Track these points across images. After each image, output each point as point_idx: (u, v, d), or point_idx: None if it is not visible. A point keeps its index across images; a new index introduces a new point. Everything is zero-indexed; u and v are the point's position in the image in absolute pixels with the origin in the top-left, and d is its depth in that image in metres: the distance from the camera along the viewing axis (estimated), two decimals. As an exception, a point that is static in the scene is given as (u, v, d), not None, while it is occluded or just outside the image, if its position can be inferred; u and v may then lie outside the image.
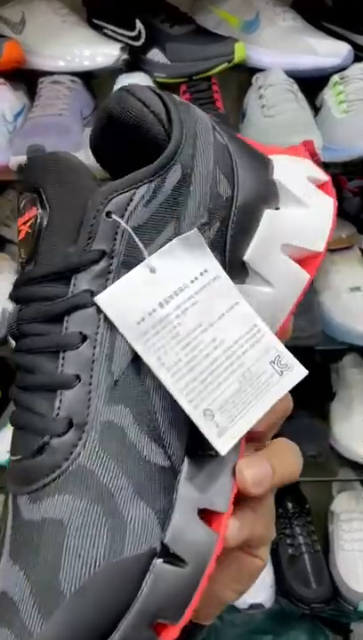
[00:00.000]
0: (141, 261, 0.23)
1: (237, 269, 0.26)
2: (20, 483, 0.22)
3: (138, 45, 0.83)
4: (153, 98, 0.25)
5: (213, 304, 0.24)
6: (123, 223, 0.23)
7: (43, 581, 0.20)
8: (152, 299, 0.23)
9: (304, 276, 0.27)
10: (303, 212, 0.27)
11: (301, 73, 0.80)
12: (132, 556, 0.21)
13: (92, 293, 0.22)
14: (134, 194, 0.23)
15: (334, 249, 0.87)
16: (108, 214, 0.23)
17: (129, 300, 0.23)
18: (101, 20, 0.86)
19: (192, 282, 0.24)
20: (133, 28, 0.83)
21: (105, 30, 0.85)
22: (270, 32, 0.81)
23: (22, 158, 0.71)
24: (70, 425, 0.22)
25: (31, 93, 0.84)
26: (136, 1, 0.83)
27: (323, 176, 0.30)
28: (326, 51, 0.79)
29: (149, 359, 0.22)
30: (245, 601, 0.90)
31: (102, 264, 0.23)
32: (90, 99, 0.84)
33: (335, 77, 0.79)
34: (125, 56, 0.80)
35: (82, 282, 0.22)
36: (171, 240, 0.24)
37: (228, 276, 0.25)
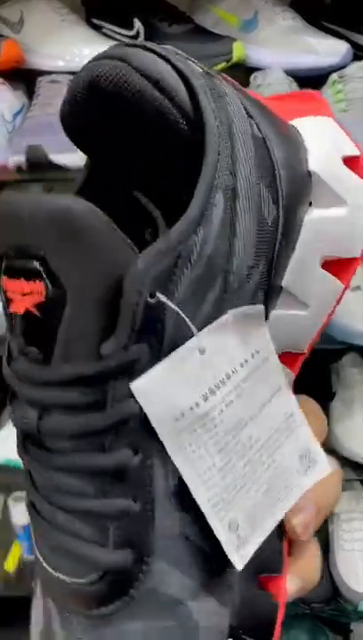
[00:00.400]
0: (187, 338, 0.18)
1: (270, 297, 0.21)
2: (67, 600, 0.19)
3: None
4: (171, 77, 0.18)
5: (257, 392, 0.20)
6: (172, 305, 0.17)
7: None
8: (198, 389, 0.18)
9: (340, 288, 0.24)
10: (343, 212, 0.22)
11: (299, 72, 0.80)
12: None
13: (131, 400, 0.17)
14: (179, 257, 0.17)
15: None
16: (153, 295, 0.17)
17: (170, 389, 0.18)
18: (100, 20, 0.85)
19: (242, 365, 0.20)
20: (131, 27, 0.83)
21: (104, 29, 0.85)
22: (269, 31, 0.81)
23: (21, 158, 0.70)
24: (131, 552, 0.18)
25: (30, 93, 0.84)
26: (135, 0, 0.83)
27: (353, 149, 0.23)
28: (324, 50, 0.79)
29: (178, 459, 0.18)
30: (245, 601, 0.89)
31: (146, 358, 0.17)
32: (88, 98, 0.84)
33: (334, 76, 0.79)
34: (124, 55, 0.80)
35: (123, 387, 0.17)
36: (220, 304, 0.19)
37: (277, 356, 0.21)
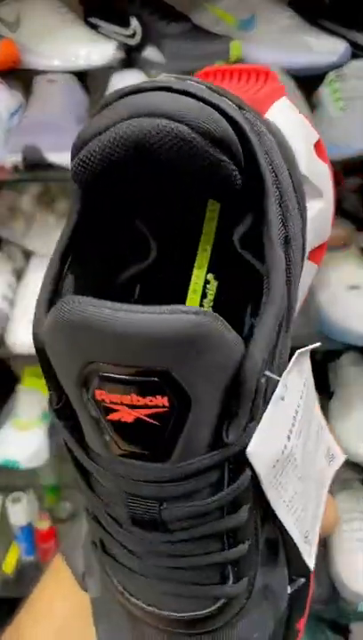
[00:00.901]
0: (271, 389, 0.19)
1: None
2: (184, 627, 0.21)
3: (134, 43, 0.82)
4: (228, 133, 0.17)
5: (310, 415, 0.22)
6: (277, 377, 0.18)
7: None
8: (283, 433, 0.19)
9: (316, 270, 0.25)
10: (322, 203, 0.23)
11: (297, 71, 0.79)
12: None
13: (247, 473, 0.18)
14: (279, 332, 0.18)
15: (332, 247, 0.86)
16: (264, 375, 0.18)
17: (269, 443, 0.19)
18: (97, 19, 0.85)
19: (301, 397, 0.21)
20: (128, 26, 0.83)
21: (101, 29, 0.84)
22: (267, 30, 0.80)
23: (18, 157, 0.70)
24: (247, 580, 0.21)
25: (27, 92, 0.84)
26: (132, -1, 0.83)
27: (314, 133, 0.23)
28: (322, 48, 0.78)
29: (271, 495, 0.20)
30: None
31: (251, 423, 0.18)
32: (85, 97, 0.83)
33: (332, 75, 0.79)
34: (121, 54, 0.79)
35: (235, 463, 0.18)
36: (284, 340, 0.20)
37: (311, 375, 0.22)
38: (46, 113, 0.76)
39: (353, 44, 0.80)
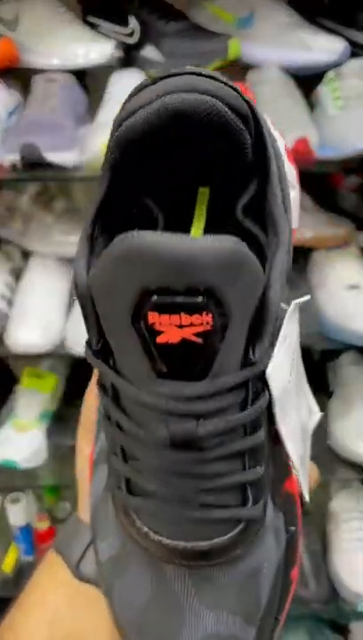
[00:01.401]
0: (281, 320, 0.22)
1: None
2: (205, 558, 0.22)
3: (132, 42, 0.82)
4: (249, 112, 0.21)
5: (299, 365, 0.26)
6: (290, 308, 0.23)
7: (249, 610, 0.23)
8: (287, 367, 0.23)
9: None
10: (294, 193, 0.26)
11: (296, 69, 0.79)
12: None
13: (265, 392, 0.22)
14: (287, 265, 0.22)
15: (330, 246, 0.86)
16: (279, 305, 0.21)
17: (282, 369, 0.22)
18: (96, 17, 0.85)
19: (295, 343, 0.25)
20: (127, 24, 0.82)
21: (99, 27, 0.84)
22: (265, 28, 0.80)
23: (16, 156, 0.70)
24: (262, 502, 0.23)
25: (25, 91, 0.83)
26: (130, -3, 0.83)
27: (279, 136, 0.27)
28: (321, 47, 0.78)
29: (280, 421, 0.23)
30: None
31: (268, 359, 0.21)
32: (83, 96, 0.83)
33: (331, 74, 0.79)
34: (120, 53, 0.79)
35: (258, 382, 0.21)
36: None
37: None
38: (45, 112, 0.75)
39: (352, 43, 0.79)
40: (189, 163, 0.23)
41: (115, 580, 0.25)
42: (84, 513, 0.32)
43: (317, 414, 0.29)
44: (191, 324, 0.18)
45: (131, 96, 0.22)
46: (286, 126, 0.71)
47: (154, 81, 0.21)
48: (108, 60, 0.79)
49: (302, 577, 0.92)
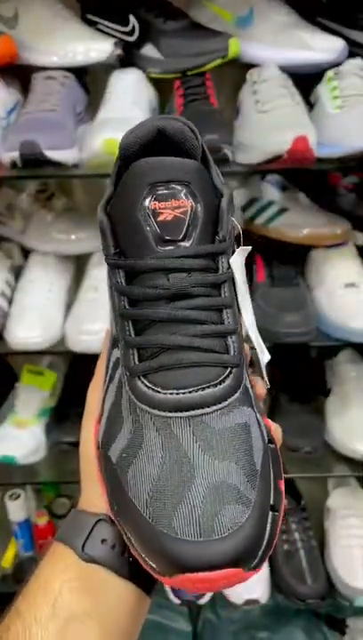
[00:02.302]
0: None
1: None
2: (204, 404, 0.28)
3: (132, 41, 0.82)
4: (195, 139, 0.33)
5: (246, 297, 0.34)
6: (236, 223, 0.33)
7: (246, 464, 0.28)
8: (241, 275, 0.33)
9: None
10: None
11: (295, 68, 0.80)
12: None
13: (229, 268, 0.32)
14: (228, 213, 0.33)
15: (328, 245, 0.87)
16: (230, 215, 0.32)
17: (236, 263, 0.32)
18: (95, 16, 0.85)
19: (241, 274, 0.33)
20: (126, 23, 0.82)
21: (99, 26, 0.84)
22: (265, 27, 0.80)
23: (15, 154, 0.70)
24: (240, 356, 0.30)
25: (24, 89, 0.83)
26: (130, -4, 0.83)
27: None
28: (320, 46, 0.78)
29: (242, 302, 0.33)
30: (240, 596, 0.90)
31: (229, 249, 0.32)
32: (83, 94, 0.83)
33: (330, 73, 0.79)
34: (119, 51, 0.79)
35: (224, 262, 0.31)
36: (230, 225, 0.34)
37: None
38: (44, 110, 0.75)
39: (351, 42, 0.80)
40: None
41: (128, 467, 0.28)
42: (87, 500, 0.34)
43: (266, 355, 0.36)
44: (179, 207, 0.30)
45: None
46: (284, 125, 0.72)
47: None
48: (107, 59, 0.79)
49: (299, 573, 0.92)
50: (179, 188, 0.30)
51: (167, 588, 0.92)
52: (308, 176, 0.94)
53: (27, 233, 0.92)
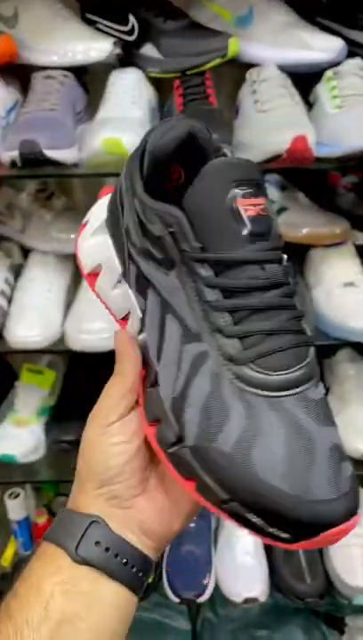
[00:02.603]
0: None
1: None
2: (304, 381, 0.31)
3: (131, 40, 0.82)
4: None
5: None
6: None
7: (335, 426, 0.32)
8: None
9: None
10: None
11: (294, 68, 0.80)
12: None
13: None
14: None
15: (327, 244, 0.87)
16: None
17: None
18: (95, 15, 0.85)
19: None
20: (126, 22, 0.83)
21: (98, 25, 0.84)
22: (264, 27, 0.81)
23: (15, 153, 0.70)
24: (311, 336, 0.33)
25: (24, 88, 0.84)
26: (129, -5, 0.83)
27: None
28: (319, 46, 0.79)
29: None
30: (239, 594, 0.90)
31: None
32: (82, 94, 0.84)
33: (329, 73, 0.79)
34: (119, 51, 0.79)
35: (283, 251, 0.34)
36: None
37: None
38: (44, 109, 0.76)
39: (350, 42, 0.80)
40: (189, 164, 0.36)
41: (251, 449, 0.29)
42: (80, 500, 0.34)
43: None
44: (259, 204, 0.32)
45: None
46: (284, 124, 0.72)
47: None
48: (107, 58, 0.79)
49: (298, 571, 0.92)
50: (257, 186, 0.32)
51: (166, 587, 0.93)
52: (307, 176, 0.94)
53: (26, 232, 0.92)
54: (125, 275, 0.37)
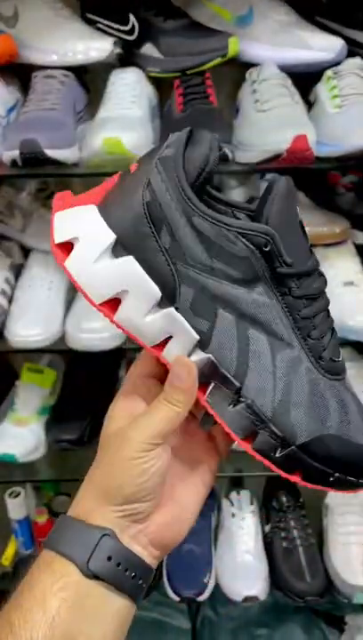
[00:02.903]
0: None
1: None
2: (343, 371, 0.36)
3: (131, 40, 0.83)
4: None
5: None
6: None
7: None
8: None
9: None
10: None
11: (294, 68, 0.80)
12: None
13: None
14: None
15: (327, 244, 0.87)
16: None
17: None
18: (95, 15, 0.85)
19: None
20: (126, 22, 0.83)
21: (98, 24, 0.85)
22: (264, 26, 0.81)
23: (15, 153, 0.70)
24: None
25: (24, 88, 0.84)
26: (129, -5, 0.83)
27: None
28: (319, 45, 0.79)
29: None
30: (239, 593, 0.90)
31: None
32: (83, 93, 0.84)
33: (329, 72, 0.79)
34: (119, 50, 0.80)
35: None
36: None
37: None
38: (44, 109, 0.76)
39: (350, 42, 0.80)
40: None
41: (348, 425, 0.35)
42: (89, 508, 0.33)
43: None
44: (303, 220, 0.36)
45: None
46: (284, 124, 0.72)
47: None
48: (107, 57, 0.79)
49: (298, 570, 0.93)
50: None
51: (167, 586, 0.93)
52: (307, 175, 0.94)
53: (27, 231, 0.92)
54: (170, 299, 0.34)
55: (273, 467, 0.35)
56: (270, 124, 0.73)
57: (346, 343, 0.92)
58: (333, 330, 0.37)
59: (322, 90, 0.79)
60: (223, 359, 0.34)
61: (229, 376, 0.34)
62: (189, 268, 0.33)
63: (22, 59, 0.80)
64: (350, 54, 0.79)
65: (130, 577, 0.32)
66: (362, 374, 0.96)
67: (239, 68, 0.83)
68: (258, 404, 0.34)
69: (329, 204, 0.93)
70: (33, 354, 1.01)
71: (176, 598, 0.92)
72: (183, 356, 0.34)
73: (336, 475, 0.34)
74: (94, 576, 0.31)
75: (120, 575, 0.31)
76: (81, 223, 0.34)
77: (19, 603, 0.30)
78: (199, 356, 0.34)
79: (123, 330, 0.35)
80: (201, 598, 0.92)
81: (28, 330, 0.81)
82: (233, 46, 0.78)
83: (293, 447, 0.34)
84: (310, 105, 0.81)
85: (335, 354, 0.36)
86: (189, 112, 0.77)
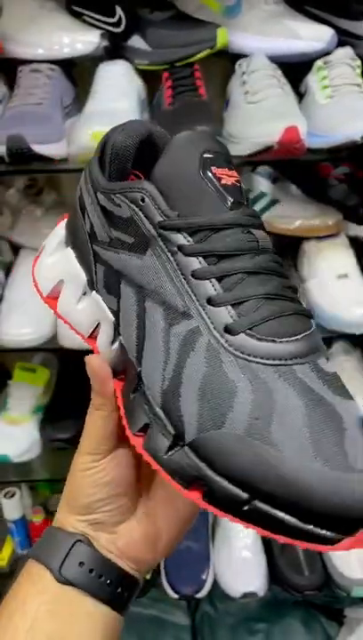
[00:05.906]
0: None
1: None
2: (313, 351, 0.29)
3: (118, 32, 0.81)
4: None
5: None
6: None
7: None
8: None
9: None
10: None
11: (284, 58, 0.79)
12: None
13: None
14: None
15: (320, 236, 0.86)
16: None
17: None
18: (81, 7, 0.84)
19: None
20: (113, 14, 0.81)
21: (85, 17, 0.83)
22: (253, 17, 0.80)
23: (1, 149, 0.69)
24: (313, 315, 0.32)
25: (9, 82, 0.82)
26: (116, -14, 0.82)
27: None
28: (309, 35, 0.78)
29: None
30: (238, 589, 0.90)
31: None
32: (70, 87, 0.82)
33: (319, 62, 0.79)
34: (106, 43, 0.78)
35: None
36: None
37: None
38: (31, 103, 0.74)
39: (340, 31, 0.79)
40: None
41: (269, 427, 0.25)
42: (65, 519, 0.33)
43: None
44: (232, 175, 0.31)
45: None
46: (274, 115, 0.71)
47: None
48: (94, 50, 0.78)
49: (296, 564, 0.93)
50: (227, 158, 0.31)
51: (165, 583, 0.92)
52: (299, 167, 0.94)
53: (16, 229, 0.91)
54: (91, 282, 0.34)
55: (163, 473, 0.27)
56: (260, 115, 0.72)
57: (341, 336, 0.91)
58: (274, 300, 0.29)
59: (312, 80, 0.79)
60: (127, 339, 0.31)
61: (131, 358, 0.30)
62: (99, 245, 0.33)
63: (7, 53, 0.79)
64: (341, 44, 0.79)
65: (105, 584, 0.31)
66: (357, 367, 0.96)
67: (229, 60, 0.82)
68: (148, 391, 0.29)
69: (322, 197, 0.92)
70: (25, 352, 1.00)
71: (175, 596, 0.92)
72: (90, 356, 0.32)
73: (252, 502, 0.24)
74: (68, 582, 0.31)
75: (94, 581, 0.31)
76: (51, 234, 0.38)
77: (3, 607, 0.31)
78: (116, 343, 0.32)
79: (65, 321, 0.35)
80: (199, 595, 0.92)
81: (20, 328, 0.80)
82: (222, 37, 0.77)
83: (184, 446, 0.26)
84: (300, 96, 0.80)
85: (281, 332, 0.28)
86: (177, 105, 0.76)
